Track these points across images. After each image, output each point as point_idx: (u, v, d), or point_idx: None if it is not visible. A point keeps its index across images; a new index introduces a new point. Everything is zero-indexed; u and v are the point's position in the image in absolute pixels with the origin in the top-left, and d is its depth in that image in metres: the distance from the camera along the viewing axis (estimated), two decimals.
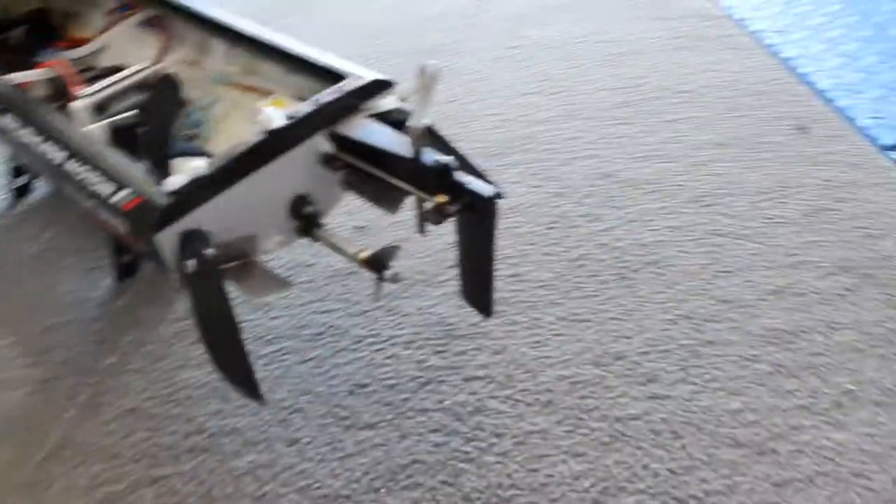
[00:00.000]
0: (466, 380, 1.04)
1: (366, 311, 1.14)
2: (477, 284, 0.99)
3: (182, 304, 1.15)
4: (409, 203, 0.92)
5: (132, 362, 1.08)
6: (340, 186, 1.02)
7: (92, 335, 1.12)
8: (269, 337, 1.11)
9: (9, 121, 1.02)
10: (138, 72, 1.20)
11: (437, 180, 0.88)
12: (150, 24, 1.30)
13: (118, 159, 0.95)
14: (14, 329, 1.13)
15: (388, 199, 1.02)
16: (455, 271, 1.14)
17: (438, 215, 0.88)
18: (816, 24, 1.82)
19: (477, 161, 0.90)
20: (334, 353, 1.08)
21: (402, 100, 1.00)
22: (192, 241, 0.86)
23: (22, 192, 1.36)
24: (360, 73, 1.01)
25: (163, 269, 0.89)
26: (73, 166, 0.94)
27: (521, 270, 1.19)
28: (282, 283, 0.98)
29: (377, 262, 0.94)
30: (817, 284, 1.16)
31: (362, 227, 1.27)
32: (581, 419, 0.99)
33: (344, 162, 0.97)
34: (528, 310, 1.13)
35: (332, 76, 1.04)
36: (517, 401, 1.01)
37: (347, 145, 0.96)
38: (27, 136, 1.00)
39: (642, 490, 0.91)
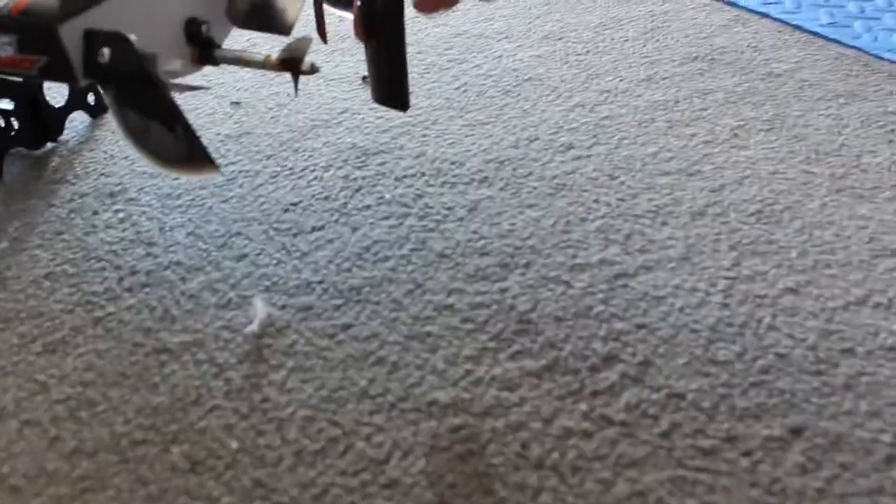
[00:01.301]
0: (398, 178, 1.02)
1: (271, 156, 1.08)
2: (390, 76, 0.98)
3: (68, 190, 1.04)
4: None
5: (29, 240, 0.95)
6: (226, 16, 0.98)
7: None
8: (179, 192, 1.02)
9: None
10: None
11: None
12: None
13: None
14: None
15: (277, 19, 1.00)
16: (343, 116, 1.13)
17: None
18: None
19: None
20: (254, 188, 1.02)
21: None
22: (100, 34, 0.79)
23: None
24: None
25: (72, 80, 0.80)
26: None
27: (412, 101, 1.19)
28: (193, 87, 0.92)
29: (292, 61, 0.91)
30: (677, 70, 1.28)
31: (238, 103, 1.22)
32: (520, 183, 1.01)
33: None
34: (431, 126, 1.14)
35: None
36: (454, 184, 1.01)
37: None
38: None
39: (602, 216, 0.94)
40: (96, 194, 1.02)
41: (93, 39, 0.79)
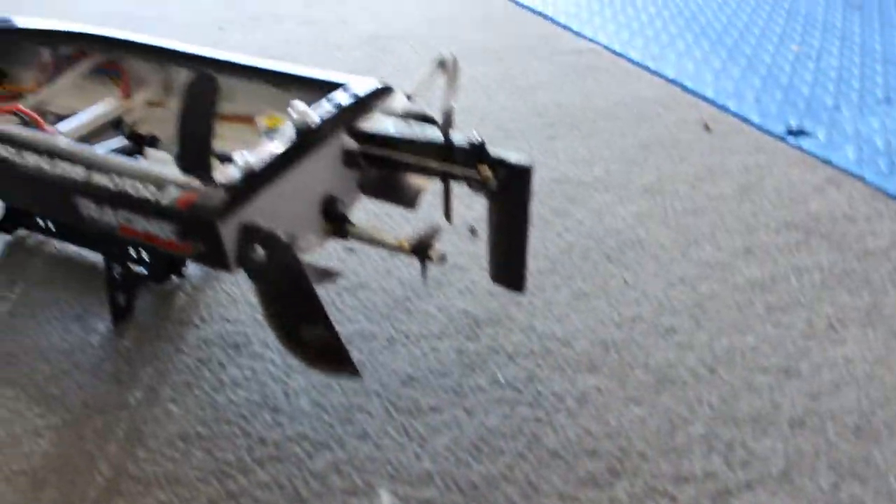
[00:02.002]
0: (509, 356, 1.07)
1: (386, 316, 1.14)
2: (511, 260, 1.03)
3: (194, 335, 1.11)
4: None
5: (162, 393, 1.02)
6: (358, 189, 1.04)
7: (105, 376, 1.04)
8: None
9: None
10: (106, 112, 1.17)
11: (473, 156, 0.94)
12: (103, 69, 1.27)
13: (146, 164, 0.93)
14: (12, 382, 1.03)
15: (406, 194, 1.07)
16: (454, 275, 1.18)
17: (482, 186, 0.93)
18: (684, 50, 2.07)
19: None
20: (372, 353, 1.08)
21: (409, 98, 1.05)
22: (254, 231, 0.85)
23: None
24: (353, 79, 1.06)
25: (224, 267, 0.87)
26: (99, 179, 0.90)
27: None
28: (331, 274, 0.99)
29: (422, 248, 0.97)
30: (774, 240, 1.31)
31: (352, 250, 1.28)
32: (626, 373, 1.05)
33: (367, 159, 1.00)
34: (538, 293, 1.19)
35: (320, 86, 1.08)
36: (563, 367, 1.06)
37: (371, 140, 0.99)
38: (29, 160, 0.94)
39: (705, 419, 0.98)
40: (222, 344, 1.09)
41: (249, 235, 0.86)
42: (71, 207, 0.95)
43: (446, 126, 0.96)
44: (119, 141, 1.07)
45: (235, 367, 1.05)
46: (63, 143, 0.95)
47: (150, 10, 2.40)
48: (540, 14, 2.37)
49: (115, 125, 1.19)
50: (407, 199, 1.07)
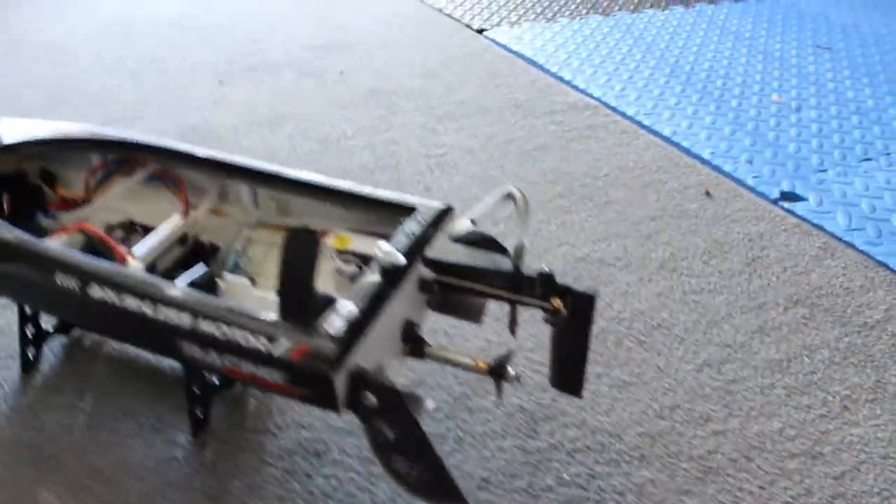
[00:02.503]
0: (569, 453, 1.18)
1: (451, 417, 1.24)
2: (571, 371, 1.13)
3: (274, 444, 1.18)
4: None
5: None
6: (427, 308, 1.13)
7: (197, 492, 1.11)
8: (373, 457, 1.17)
9: (99, 292, 1.02)
10: (174, 230, 1.23)
11: (543, 287, 1.04)
12: (156, 177, 1.33)
13: (252, 312, 1.00)
14: (105, 501, 1.10)
15: (472, 311, 1.16)
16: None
17: (555, 317, 1.03)
18: (675, 104, 2.19)
19: None
20: (445, 455, 1.17)
21: (473, 222, 1.14)
22: (366, 380, 0.94)
23: (33, 361, 1.30)
24: (418, 201, 1.14)
25: (333, 409, 0.95)
26: (206, 326, 0.96)
27: None
28: (420, 400, 1.08)
29: (499, 369, 1.06)
30: (784, 319, 1.45)
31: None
32: (674, 464, 1.17)
33: (440, 285, 1.09)
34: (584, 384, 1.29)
35: (382, 206, 1.16)
36: (618, 461, 1.17)
37: (445, 270, 1.08)
38: (131, 304, 1.00)
39: None
40: (303, 452, 1.17)
41: (360, 384, 0.94)
42: (172, 347, 1.01)
43: (517, 258, 1.05)
44: (200, 268, 1.13)
45: (321, 476, 1.14)
46: (166, 289, 1.01)
47: (148, 62, 2.42)
48: (529, 61, 2.46)
49: (181, 240, 1.26)
50: (472, 314, 1.17)
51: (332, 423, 1.21)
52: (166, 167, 1.31)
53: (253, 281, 1.20)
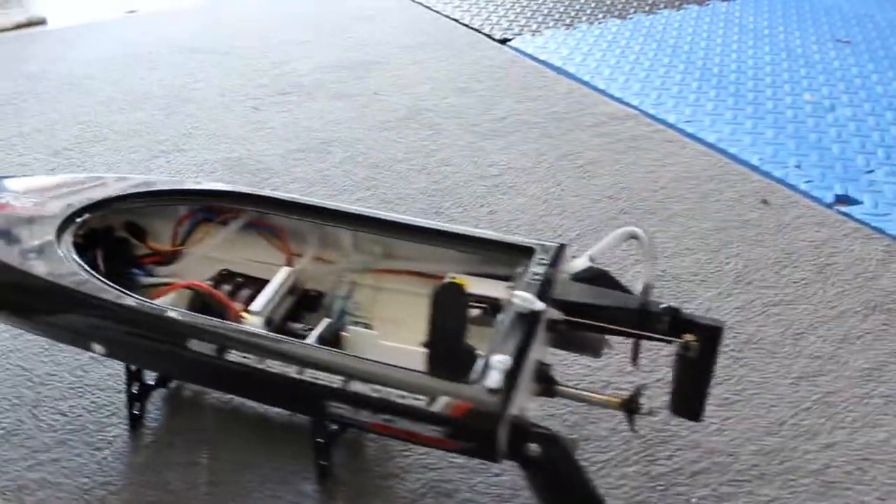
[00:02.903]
0: (691, 476, 1.21)
1: None
2: (693, 398, 1.15)
3: (402, 487, 1.19)
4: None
5: None
6: (549, 343, 1.14)
7: None
8: (506, 492, 1.18)
9: (240, 357, 1.01)
10: (285, 282, 1.22)
11: (670, 322, 1.06)
12: (252, 226, 1.32)
13: (405, 369, 1.00)
14: None
15: (591, 346, 1.18)
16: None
17: (687, 351, 1.05)
18: (712, 110, 2.22)
19: None
20: None
21: (592, 260, 1.15)
22: (529, 431, 0.95)
23: (138, 416, 1.30)
24: (533, 242, 1.16)
25: (492, 460, 0.96)
26: (359, 387, 0.97)
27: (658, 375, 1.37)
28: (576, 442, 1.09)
29: (632, 403, 1.08)
30: (865, 326, 1.48)
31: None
32: (793, 480, 1.20)
33: (568, 323, 1.11)
34: None
35: (496, 247, 1.17)
36: (739, 481, 1.20)
37: (572, 310, 1.10)
38: (272, 367, 1.00)
39: None
40: (433, 494, 1.18)
41: (523, 435, 0.95)
42: (316, 408, 1.02)
43: (644, 295, 1.07)
44: (326, 324, 1.13)
45: None
46: (311, 350, 1.01)
47: (174, 91, 2.40)
48: (559, 70, 2.48)
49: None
50: (592, 349, 1.19)
51: (457, 462, 1.23)
52: (262, 216, 1.30)
53: (368, 328, 1.20)
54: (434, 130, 2.15)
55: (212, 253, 1.32)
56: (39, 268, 1.11)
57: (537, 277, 1.10)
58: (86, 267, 1.11)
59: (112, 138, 2.14)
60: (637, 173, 1.94)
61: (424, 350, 1.10)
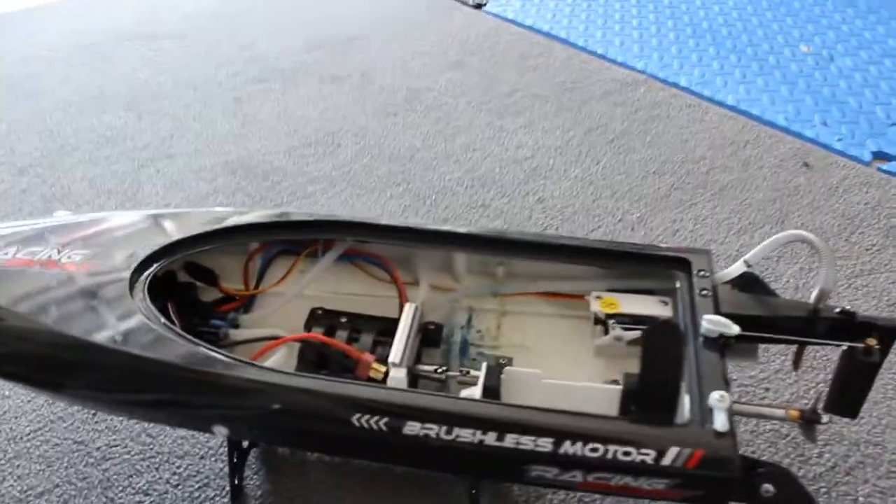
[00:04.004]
0: (847, 473, 1.16)
1: None
2: (854, 396, 1.09)
3: None
4: None
5: None
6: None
7: None
8: None
9: (418, 429, 0.87)
10: (410, 318, 1.07)
11: (846, 326, 0.99)
12: (349, 256, 1.16)
13: (604, 418, 0.89)
14: None
15: (751, 353, 1.10)
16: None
17: (869, 354, 0.99)
18: (719, 69, 2.16)
19: None
20: None
21: (748, 265, 1.06)
22: (765, 471, 0.86)
23: (241, 488, 1.13)
24: (683, 252, 1.06)
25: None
26: (571, 449, 0.85)
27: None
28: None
29: (813, 416, 1.01)
30: None
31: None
32: None
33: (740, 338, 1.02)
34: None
35: (641, 260, 1.07)
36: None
37: (743, 321, 1.01)
38: (463, 436, 0.86)
39: None
40: None
41: (759, 476, 0.86)
42: (514, 473, 0.90)
43: (819, 301, 1.00)
44: (485, 371, 0.99)
45: None
46: (505, 412, 0.88)
47: (138, 87, 2.13)
48: (550, 36, 2.36)
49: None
50: (749, 355, 1.11)
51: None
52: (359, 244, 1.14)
53: (506, 360, 1.07)
54: (443, 112, 2.00)
55: (300, 290, 1.15)
56: (137, 344, 0.92)
57: (706, 292, 1.00)
58: (196, 341, 0.93)
59: (83, 148, 1.88)
60: (671, 144, 1.86)
61: (612, 386, 1.00)
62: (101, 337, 0.93)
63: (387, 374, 1.00)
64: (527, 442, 0.85)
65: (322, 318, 1.11)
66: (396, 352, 1.00)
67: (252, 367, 0.90)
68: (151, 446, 1.18)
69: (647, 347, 0.87)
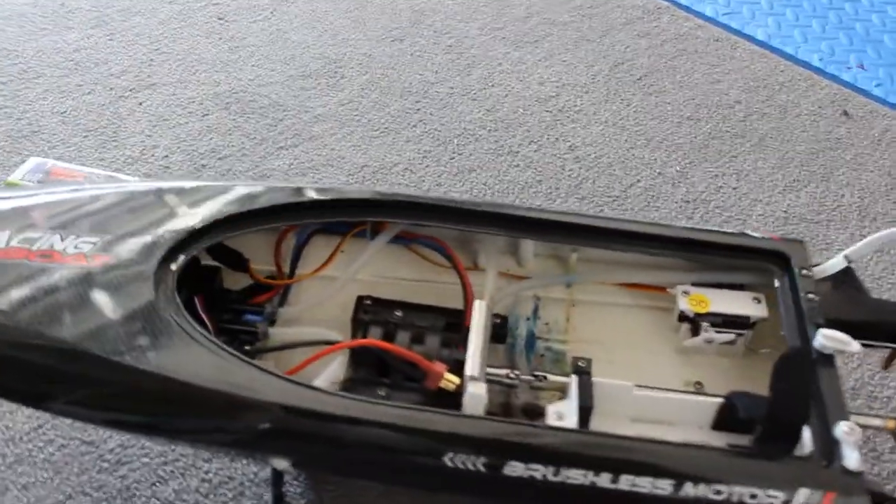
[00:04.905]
0: None
1: None
2: None
3: None
4: None
5: None
6: None
7: None
8: None
9: (522, 470, 0.77)
10: (483, 317, 0.93)
11: None
12: (401, 239, 1.02)
13: (719, 452, 0.80)
14: None
15: None
16: None
17: None
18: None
19: None
20: None
21: (849, 261, 0.96)
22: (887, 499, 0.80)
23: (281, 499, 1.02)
24: (775, 241, 0.96)
25: None
26: (693, 490, 0.76)
27: None
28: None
29: None
30: None
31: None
32: None
33: None
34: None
35: (729, 250, 0.96)
36: None
37: (848, 327, 0.92)
38: (572, 477, 0.76)
39: None
40: None
41: None
42: None
43: None
44: (576, 383, 0.88)
45: None
46: (615, 449, 0.77)
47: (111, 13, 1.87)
48: None
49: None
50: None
51: None
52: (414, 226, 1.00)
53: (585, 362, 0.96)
54: (454, 39, 1.81)
55: (349, 278, 1.01)
56: (177, 366, 0.78)
57: (812, 297, 0.90)
58: (249, 361, 0.79)
59: (47, 74, 1.64)
60: (702, 85, 1.73)
61: (709, 399, 0.91)
62: (133, 358, 0.78)
63: (459, 386, 0.88)
64: (644, 484, 0.76)
65: (372, 309, 0.98)
66: (473, 363, 0.88)
67: (323, 393, 0.78)
68: (172, 448, 1.06)
69: (776, 377, 0.77)
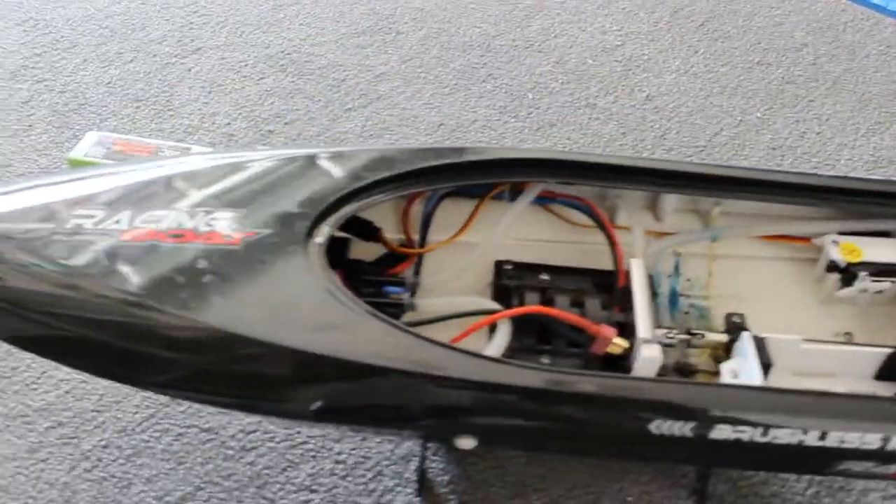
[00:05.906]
0: None
1: None
2: None
3: None
4: None
5: None
6: None
7: None
8: None
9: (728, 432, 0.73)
10: (642, 277, 0.88)
11: None
12: (543, 199, 0.96)
13: None
14: None
15: None
16: None
17: None
18: None
19: None
20: None
21: None
22: None
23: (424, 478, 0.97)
24: None
25: None
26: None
27: None
28: None
29: None
30: None
31: None
32: None
33: None
34: None
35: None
36: None
37: None
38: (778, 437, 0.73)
39: None
40: None
41: None
42: (823, 467, 0.77)
43: None
44: (752, 342, 0.83)
45: None
46: (824, 406, 0.74)
47: None
48: None
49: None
50: None
51: None
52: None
53: (739, 317, 0.92)
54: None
55: (492, 244, 0.95)
56: (355, 348, 0.72)
57: None
58: (424, 337, 0.73)
59: (83, 43, 1.53)
60: (766, 28, 1.68)
61: (875, 349, 0.87)
62: (305, 341, 0.72)
63: (627, 349, 0.84)
64: (852, 439, 0.72)
65: (515, 273, 0.93)
66: (644, 324, 0.83)
67: (524, 368, 0.72)
68: (298, 430, 1.00)
69: None
